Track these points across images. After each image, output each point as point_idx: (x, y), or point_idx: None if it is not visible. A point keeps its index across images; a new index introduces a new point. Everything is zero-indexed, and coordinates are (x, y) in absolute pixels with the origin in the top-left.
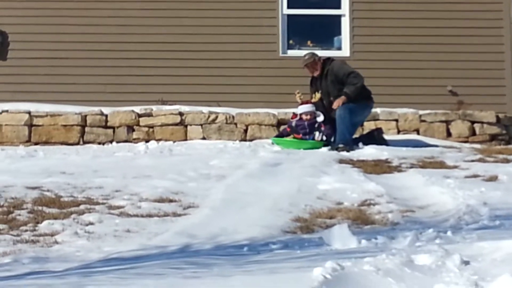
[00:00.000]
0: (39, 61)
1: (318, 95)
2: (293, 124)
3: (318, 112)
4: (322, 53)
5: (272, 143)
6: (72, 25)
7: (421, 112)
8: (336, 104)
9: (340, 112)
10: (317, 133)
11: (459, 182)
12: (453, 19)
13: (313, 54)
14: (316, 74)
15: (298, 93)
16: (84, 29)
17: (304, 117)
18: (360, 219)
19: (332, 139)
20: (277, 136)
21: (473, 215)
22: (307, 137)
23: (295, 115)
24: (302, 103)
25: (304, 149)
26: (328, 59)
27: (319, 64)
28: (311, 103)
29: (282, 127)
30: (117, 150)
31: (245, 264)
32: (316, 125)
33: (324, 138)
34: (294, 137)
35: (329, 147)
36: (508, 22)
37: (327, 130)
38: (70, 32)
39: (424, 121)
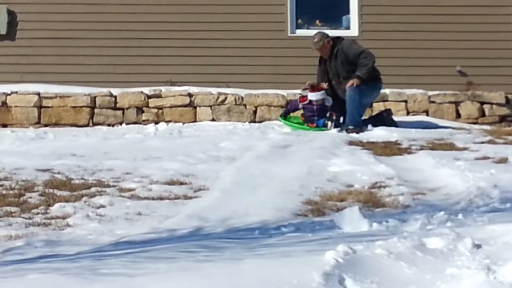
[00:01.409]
0: (48, 41)
1: (325, 85)
2: (300, 106)
3: (328, 98)
4: (330, 32)
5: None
6: (81, 4)
7: (430, 93)
8: (349, 85)
9: (350, 93)
10: (329, 123)
11: (469, 164)
12: None
13: (323, 34)
14: (326, 56)
15: (308, 84)
16: (93, 9)
17: (314, 102)
18: (371, 202)
19: (342, 121)
20: (284, 113)
21: (484, 197)
22: (315, 118)
23: (302, 97)
24: (313, 90)
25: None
26: (338, 38)
27: (328, 46)
28: (323, 89)
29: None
30: (127, 132)
31: (257, 248)
32: (328, 114)
33: (336, 124)
34: (307, 125)
35: (339, 128)
36: None
37: (338, 116)
38: (79, 11)
39: (433, 102)
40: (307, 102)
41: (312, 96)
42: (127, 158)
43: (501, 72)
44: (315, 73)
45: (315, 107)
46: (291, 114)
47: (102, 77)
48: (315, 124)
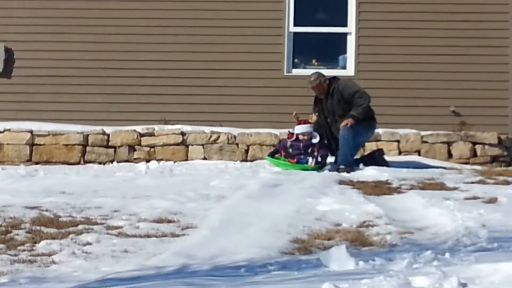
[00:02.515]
0: (44, 79)
1: (314, 117)
2: (288, 144)
3: (315, 133)
4: (327, 72)
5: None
6: (76, 42)
7: (423, 133)
8: (344, 124)
9: (344, 133)
10: (310, 159)
11: (458, 204)
12: (457, 38)
13: (319, 74)
14: (321, 96)
15: (295, 114)
16: (88, 47)
17: (300, 137)
18: (358, 241)
19: (334, 159)
20: (272, 153)
21: (472, 237)
22: (302, 157)
23: (291, 134)
24: (300, 123)
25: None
26: (334, 78)
27: (325, 85)
28: (309, 123)
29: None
30: (118, 170)
31: (242, 285)
32: (310, 150)
33: (317, 160)
34: (288, 161)
35: (329, 167)
36: None
37: (322, 151)
38: (75, 50)
39: (425, 142)
40: (294, 139)
41: (298, 129)
42: (116, 196)
43: (495, 113)
44: (310, 112)
45: (301, 144)
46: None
47: (95, 115)
48: (295, 160)
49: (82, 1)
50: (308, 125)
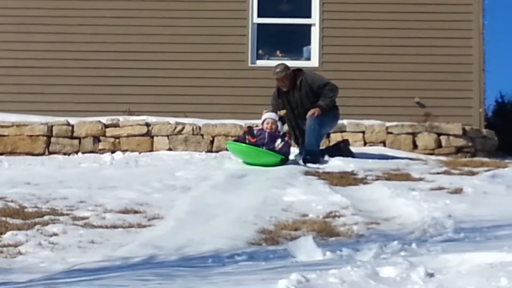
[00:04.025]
0: (6, 70)
1: (283, 112)
2: (254, 131)
3: (281, 127)
4: (291, 63)
5: (227, 149)
6: (40, 33)
7: (388, 124)
8: (311, 113)
9: (311, 123)
10: (279, 140)
11: (424, 194)
12: (421, 29)
13: (285, 66)
14: (285, 89)
15: (266, 110)
16: (52, 38)
17: (265, 125)
18: (325, 231)
19: (299, 151)
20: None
21: (438, 227)
22: (264, 148)
23: (251, 137)
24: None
25: (260, 164)
26: (299, 71)
27: (290, 78)
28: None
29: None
30: (83, 161)
31: (210, 276)
32: (281, 133)
33: (284, 145)
34: (249, 141)
35: (295, 157)
36: (477, 33)
37: (287, 148)
38: (38, 41)
39: (390, 133)
40: (259, 127)
41: (264, 116)
42: (82, 187)
43: (459, 104)
44: (269, 103)
45: (266, 132)
46: None
47: (59, 106)
48: (254, 139)
49: None
50: (273, 113)
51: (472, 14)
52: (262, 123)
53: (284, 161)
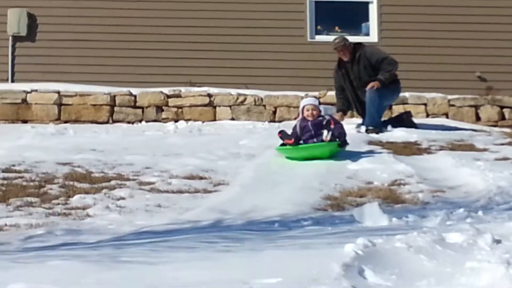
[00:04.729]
0: (69, 43)
1: (338, 116)
2: (298, 126)
3: (328, 116)
4: (350, 38)
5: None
6: (101, 8)
7: (449, 96)
8: (370, 86)
9: (371, 95)
10: (325, 132)
11: (489, 164)
12: (481, 7)
13: (344, 38)
14: (346, 58)
15: (306, 94)
16: (114, 13)
17: (305, 113)
18: (391, 198)
19: (361, 121)
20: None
21: (504, 196)
22: (314, 141)
23: (298, 115)
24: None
25: (315, 157)
26: (359, 44)
27: (350, 49)
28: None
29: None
30: (147, 129)
31: (277, 239)
32: (325, 122)
33: (332, 137)
34: (290, 144)
35: (357, 129)
36: None
37: (339, 129)
38: (99, 15)
39: (453, 105)
40: (300, 118)
41: (304, 102)
42: (147, 153)
43: None
44: (331, 77)
45: (309, 123)
46: None
47: (122, 77)
48: (292, 140)
49: None
50: (313, 98)
51: None
52: (302, 111)
53: (343, 143)
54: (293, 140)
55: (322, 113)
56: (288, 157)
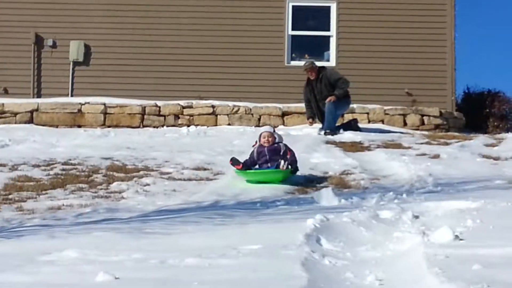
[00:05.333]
0: (113, 66)
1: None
2: (255, 151)
3: (280, 136)
4: (316, 63)
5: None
6: (136, 41)
7: (385, 107)
8: (328, 100)
9: (329, 106)
10: (282, 162)
11: (412, 158)
12: (409, 40)
13: (312, 62)
14: (312, 77)
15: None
16: (144, 44)
17: (262, 140)
18: (341, 184)
19: (321, 126)
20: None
21: (422, 182)
22: (269, 165)
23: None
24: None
25: (269, 181)
26: (323, 67)
27: (315, 70)
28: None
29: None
30: (167, 132)
31: (258, 216)
32: (282, 153)
33: (289, 164)
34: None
35: (318, 133)
36: (450, 43)
37: (292, 156)
38: (135, 46)
39: (387, 114)
40: (258, 145)
41: (261, 130)
42: (166, 150)
43: (437, 94)
44: (302, 92)
45: (265, 148)
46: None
47: (150, 93)
48: (241, 165)
49: (139, 11)
50: (269, 127)
51: (446, 29)
52: (259, 139)
53: (295, 171)
54: (241, 165)
55: (277, 140)
56: (247, 181)
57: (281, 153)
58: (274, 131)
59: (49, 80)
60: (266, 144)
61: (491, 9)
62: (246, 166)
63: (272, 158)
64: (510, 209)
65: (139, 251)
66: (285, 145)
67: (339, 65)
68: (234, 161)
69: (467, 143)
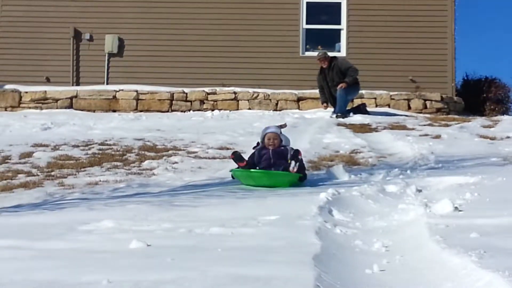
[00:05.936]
0: (144, 57)
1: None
2: (256, 153)
3: (287, 138)
4: (328, 53)
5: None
6: (166, 34)
7: (391, 93)
8: (339, 86)
9: (340, 92)
10: (293, 162)
11: (415, 138)
12: (412, 32)
13: (324, 52)
14: (325, 66)
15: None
16: (174, 37)
17: (267, 141)
18: (350, 162)
19: (333, 110)
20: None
21: (424, 160)
22: (272, 169)
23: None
24: (240, 165)
25: (276, 185)
26: (334, 57)
27: (328, 59)
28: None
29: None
30: (193, 116)
31: (276, 190)
32: (292, 152)
33: (299, 168)
34: (242, 167)
35: (330, 116)
36: (450, 34)
37: (301, 162)
38: (164, 39)
39: (393, 99)
40: (260, 146)
41: (264, 130)
42: (192, 132)
43: (438, 80)
44: (315, 79)
45: (270, 151)
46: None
47: (178, 81)
48: (245, 163)
49: (168, 7)
50: (274, 126)
51: (447, 22)
52: (263, 139)
53: (303, 179)
54: (245, 163)
55: (283, 143)
56: (244, 181)
57: (289, 156)
58: (280, 132)
59: (86, 70)
60: (271, 147)
61: (491, 9)
62: (249, 165)
63: (277, 162)
64: (505, 184)
65: (168, 221)
66: (293, 148)
67: (349, 55)
68: (237, 157)
69: (466, 124)
